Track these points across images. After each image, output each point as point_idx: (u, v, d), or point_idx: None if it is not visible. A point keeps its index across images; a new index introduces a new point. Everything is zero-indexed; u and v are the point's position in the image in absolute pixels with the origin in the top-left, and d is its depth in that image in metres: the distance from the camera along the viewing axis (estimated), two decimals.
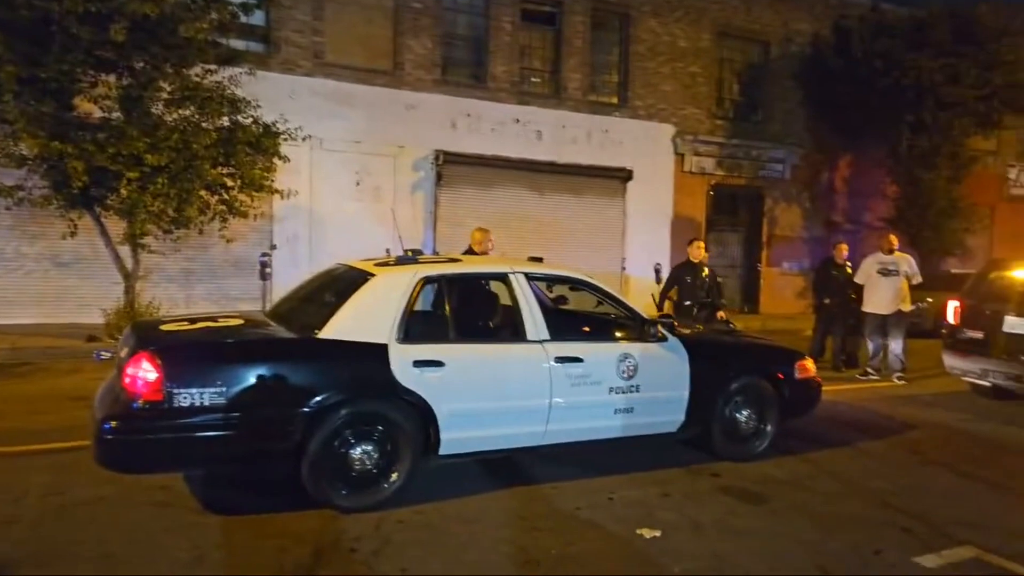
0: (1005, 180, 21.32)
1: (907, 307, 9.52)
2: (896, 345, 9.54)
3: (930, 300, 14.16)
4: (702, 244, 9.20)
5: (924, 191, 16.68)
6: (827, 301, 10.33)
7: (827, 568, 3.93)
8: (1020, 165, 21.55)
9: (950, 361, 8.58)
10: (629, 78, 16.33)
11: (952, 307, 8.75)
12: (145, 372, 4.01)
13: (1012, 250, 16.83)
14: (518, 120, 15.08)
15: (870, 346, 9.74)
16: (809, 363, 6.22)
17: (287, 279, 11.42)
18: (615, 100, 16.37)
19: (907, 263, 9.63)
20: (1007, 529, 4.60)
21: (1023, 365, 7.56)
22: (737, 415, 5.76)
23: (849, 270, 10.24)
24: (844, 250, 10.46)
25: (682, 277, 9.04)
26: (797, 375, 6.06)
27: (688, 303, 8.83)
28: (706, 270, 9.01)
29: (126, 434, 4.02)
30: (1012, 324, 7.75)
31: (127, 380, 4.07)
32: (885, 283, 9.52)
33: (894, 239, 9.88)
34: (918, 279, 9.61)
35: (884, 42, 16.04)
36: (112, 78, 9.95)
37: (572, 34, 15.72)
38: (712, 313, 8.86)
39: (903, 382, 9.37)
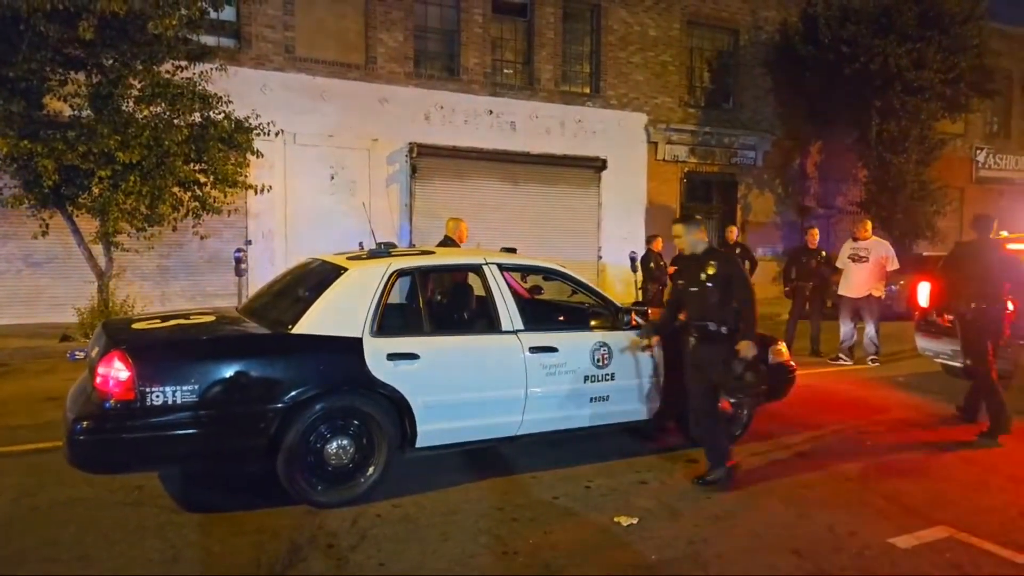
0: (973, 162, 21.68)
1: (878, 292, 9.62)
2: (870, 328, 9.68)
3: (901, 283, 14.44)
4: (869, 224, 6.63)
5: (894, 175, 16.88)
6: (787, 288, 10.60)
7: (802, 551, 3.99)
8: (988, 147, 21.91)
9: (922, 343, 8.69)
10: (601, 68, 16.36)
11: (923, 289, 8.87)
12: (117, 371, 3.98)
13: None
14: (491, 111, 15.06)
15: (842, 330, 9.86)
16: (783, 348, 6.27)
17: (263, 274, 11.39)
18: (587, 90, 16.40)
19: (883, 249, 9.68)
20: (980, 507, 4.69)
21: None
22: None
23: (824, 254, 10.40)
24: (815, 235, 10.59)
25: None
26: (771, 360, 6.12)
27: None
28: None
29: (98, 434, 3.99)
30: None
31: (99, 380, 4.04)
32: (855, 268, 9.65)
33: (866, 225, 9.91)
34: (893, 265, 9.63)
35: (850, 28, 16.19)
36: (81, 76, 9.84)
37: (544, 25, 15.72)
38: None
39: (876, 364, 9.52)
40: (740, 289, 4.94)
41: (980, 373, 6.54)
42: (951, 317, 7.06)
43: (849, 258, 9.75)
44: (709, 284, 4.93)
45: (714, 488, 4.86)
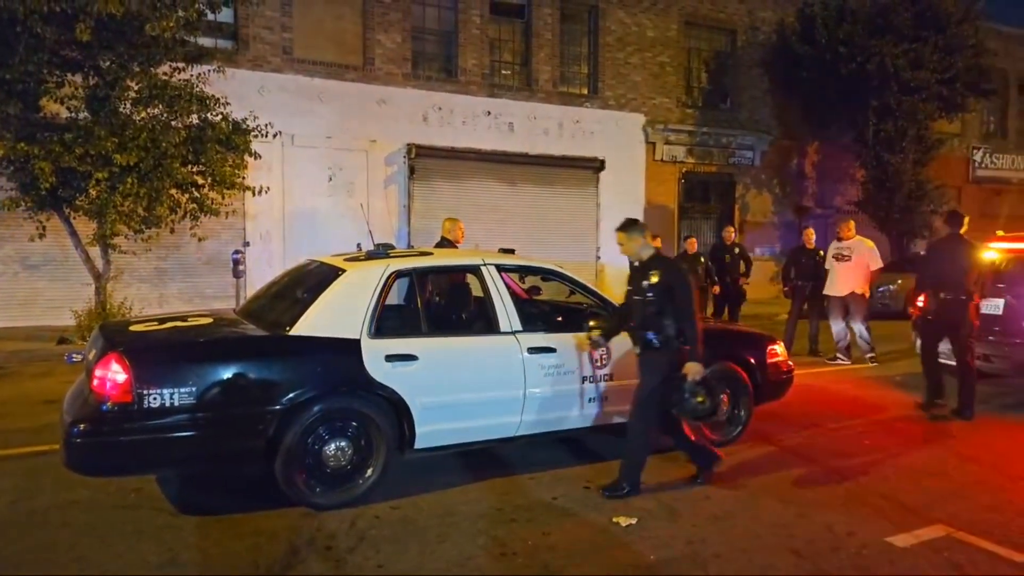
0: (970, 162, 21.72)
1: (860, 290, 9.51)
2: (858, 327, 9.63)
3: (899, 282, 14.50)
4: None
5: (891, 174, 16.91)
6: (786, 288, 10.65)
7: (801, 551, 3.99)
8: (985, 147, 21.95)
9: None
10: (599, 69, 16.37)
11: None
12: (114, 374, 3.97)
13: (978, 231, 17.18)
14: (489, 112, 15.07)
15: (833, 330, 9.86)
16: (780, 348, 6.29)
17: (261, 276, 11.39)
18: (585, 91, 16.41)
19: (865, 248, 9.61)
20: (977, 505, 4.70)
21: (990, 344, 7.69)
22: None
23: (822, 253, 10.40)
24: (812, 235, 10.59)
25: None
26: (769, 360, 6.13)
27: None
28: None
29: (95, 437, 3.97)
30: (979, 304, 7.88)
31: (96, 382, 4.03)
32: (838, 267, 9.69)
33: (848, 225, 9.86)
34: (875, 264, 9.56)
35: (847, 28, 16.22)
36: (78, 78, 9.83)
37: (541, 26, 15.73)
38: None
39: (875, 363, 9.54)
40: (681, 302, 4.65)
41: (925, 356, 7.27)
42: (920, 306, 7.44)
43: (833, 257, 9.78)
44: (649, 293, 4.72)
45: (615, 497, 4.64)
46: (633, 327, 4.90)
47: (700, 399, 4.60)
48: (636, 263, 5.01)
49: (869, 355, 9.67)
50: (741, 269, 11.41)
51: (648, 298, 4.74)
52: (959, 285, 6.88)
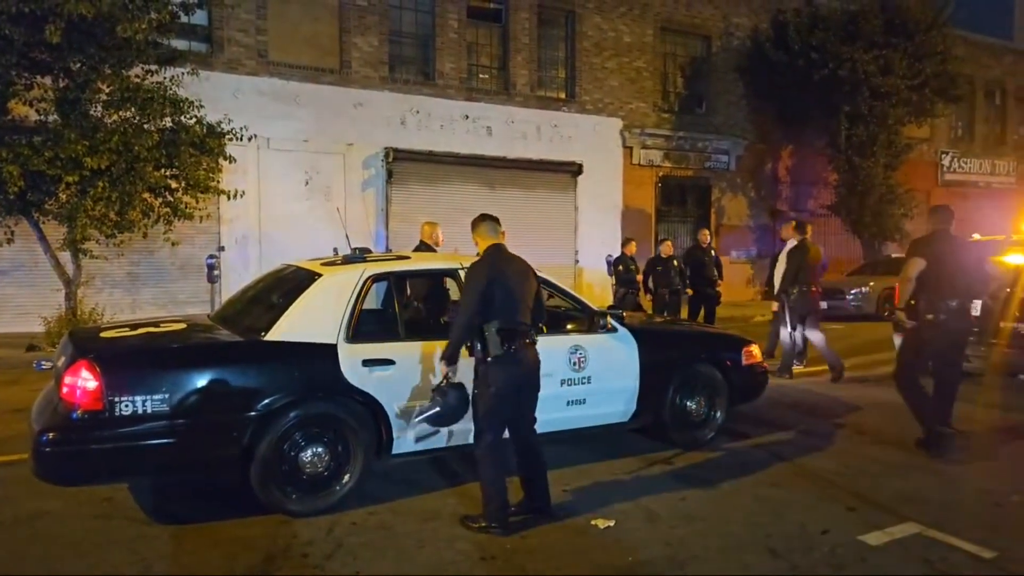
0: (939, 166, 22.11)
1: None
2: (775, 333, 9.45)
3: (872, 284, 14.73)
4: None
5: (863, 178, 17.19)
6: (766, 288, 10.57)
7: (777, 550, 4.02)
8: (953, 151, 22.36)
9: (899, 342, 8.82)
10: (576, 73, 16.45)
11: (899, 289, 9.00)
12: (84, 381, 3.91)
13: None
14: (467, 116, 15.07)
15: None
16: (755, 349, 6.35)
17: (237, 281, 11.26)
18: (563, 95, 16.48)
19: (785, 248, 9.38)
20: (948, 503, 4.77)
21: (970, 345, 7.79)
22: (687, 403, 5.86)
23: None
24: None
25: None
26: (744, 361, 6.19)
27: None
28: None
29: (65, 445, 3.91)
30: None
31: (65, 390, 3.96)
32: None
33: (786, 226, 9.75)
34: (783, 267, 9.19)
35: (819, 35, 16.47)
36: (48, 80, 9.69)
37: (519, 31, 15.77)
38: None
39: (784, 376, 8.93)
40: (463, 292, 4.24)
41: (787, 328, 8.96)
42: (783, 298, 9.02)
43: None
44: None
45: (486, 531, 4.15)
46: None
47: (439, 400, 4.23)
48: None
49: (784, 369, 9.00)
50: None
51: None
52: (808, 280, 8.86)
